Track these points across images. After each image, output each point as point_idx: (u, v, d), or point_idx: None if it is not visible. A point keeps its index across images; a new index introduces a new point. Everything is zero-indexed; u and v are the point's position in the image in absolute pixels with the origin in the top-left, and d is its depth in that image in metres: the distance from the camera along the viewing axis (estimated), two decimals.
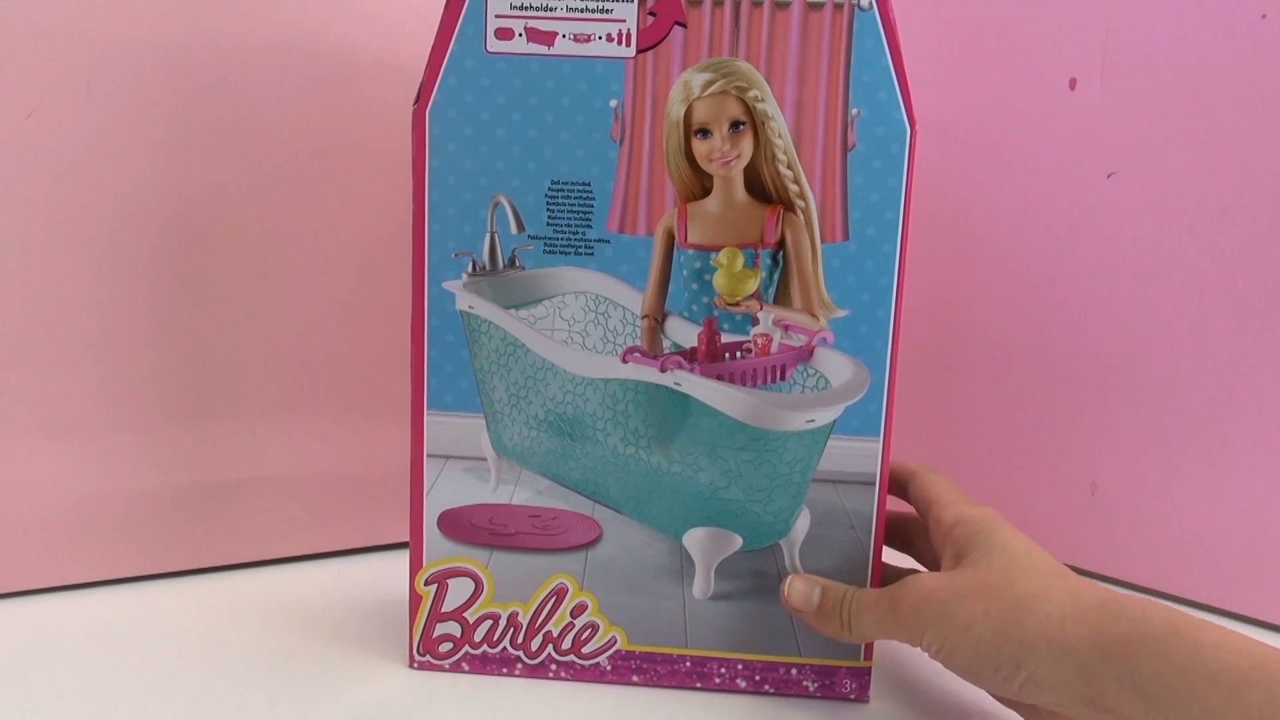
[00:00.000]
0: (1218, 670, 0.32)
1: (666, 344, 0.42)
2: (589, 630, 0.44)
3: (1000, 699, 0.40)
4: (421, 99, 0.40)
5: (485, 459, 0.43)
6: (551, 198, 0.41)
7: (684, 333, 0.42)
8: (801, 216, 0.40)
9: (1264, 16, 0.49)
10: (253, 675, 0.44)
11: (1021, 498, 0.59)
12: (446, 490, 0.43)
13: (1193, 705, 0.32)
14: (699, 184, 0.41)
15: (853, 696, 0.44)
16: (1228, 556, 0.53)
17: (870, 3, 0.39)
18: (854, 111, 0.40)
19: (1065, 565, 0.40)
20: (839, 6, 0.39)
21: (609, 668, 0.44)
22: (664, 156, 0.40)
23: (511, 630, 0.44)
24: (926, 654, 0.39)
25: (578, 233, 0.41)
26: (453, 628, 0.44)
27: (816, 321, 0.41)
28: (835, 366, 0.42)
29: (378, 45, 0.51)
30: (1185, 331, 0.53)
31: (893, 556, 0.47)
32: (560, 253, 0.41)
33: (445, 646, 0.45)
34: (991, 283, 0.58)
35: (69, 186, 0.47)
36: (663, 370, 0.42)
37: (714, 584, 0.43)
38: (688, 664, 0.44)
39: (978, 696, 0.45)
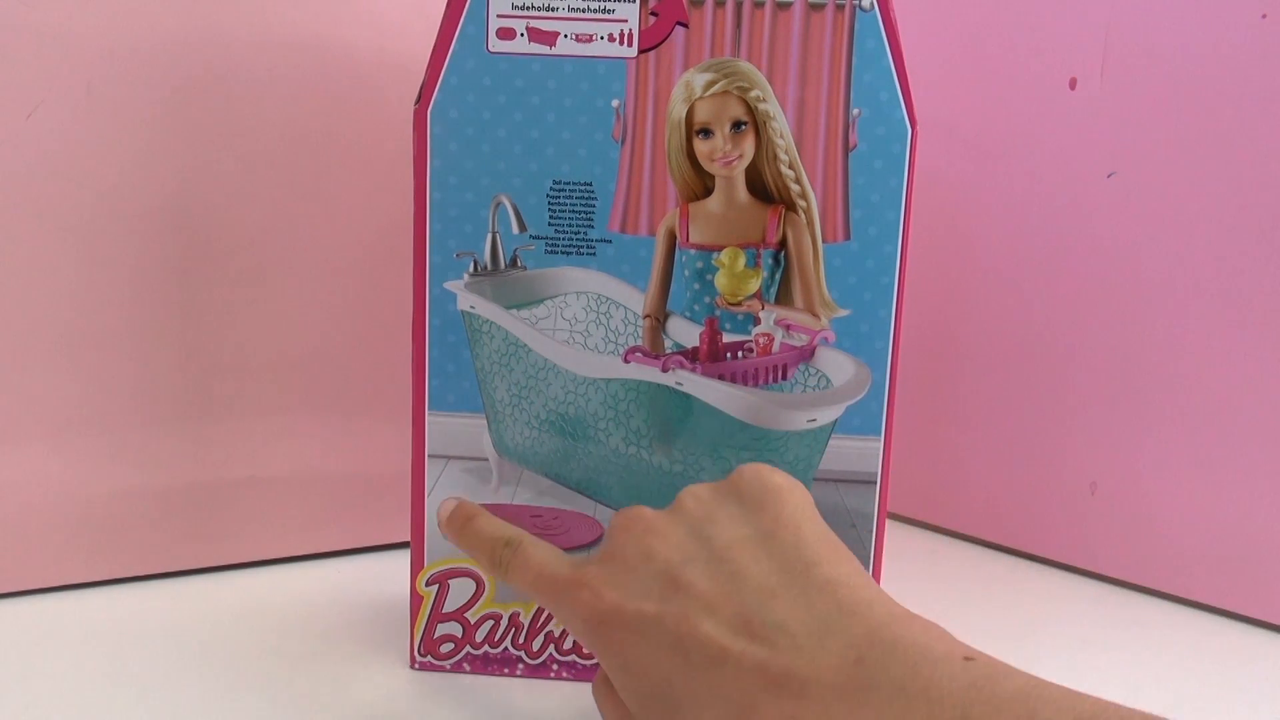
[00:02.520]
0: None
1: (668, 344, 0.42)
2: None
3: None
4: (423, 99, 0.40)
5: (486, 459, 0.43)
6: (553, 197, 0.41)
7: (686, 332, 0.42)
8: (803, 216, 0.40)
9: (1264, 16, 0.49)
10: (253, 675, 0.44)
11: (1021, 498, 0.59)
12: (448, 490, 0.43)
13: None
14: (701, 184, 0.41)
15: None
16: (1228, 556, 0.53)
17: (871, 3, 0.39)
18: (855, 111, 0.40)
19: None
20: (840, 7, 0.39)
21: None
22: (666, 156, 0.40)
23: (513, 630, 0.44)
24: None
25: (579, 233, 0.41)
26: (454, 628, 0.44)
27: (818, 321, 0.41)
28: (836, 366, 0.42)
29: (378, 45, 0.51)
30: (1185, 331, 0.53)
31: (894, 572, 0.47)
32: (562, 253, 0.41)
33: (446, 647, 0.45)
34: (992, 282, 0.58)
35: (68, 186, 0.47)
36: (664, 370, 0.42)
37: None
38: None
39: None
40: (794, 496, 0.34)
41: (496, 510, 0.44)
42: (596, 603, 0.33)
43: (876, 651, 0.28)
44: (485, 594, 0.44)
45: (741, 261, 0.41)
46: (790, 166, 0.40)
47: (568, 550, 0.44)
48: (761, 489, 0.34)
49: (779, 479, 0.34)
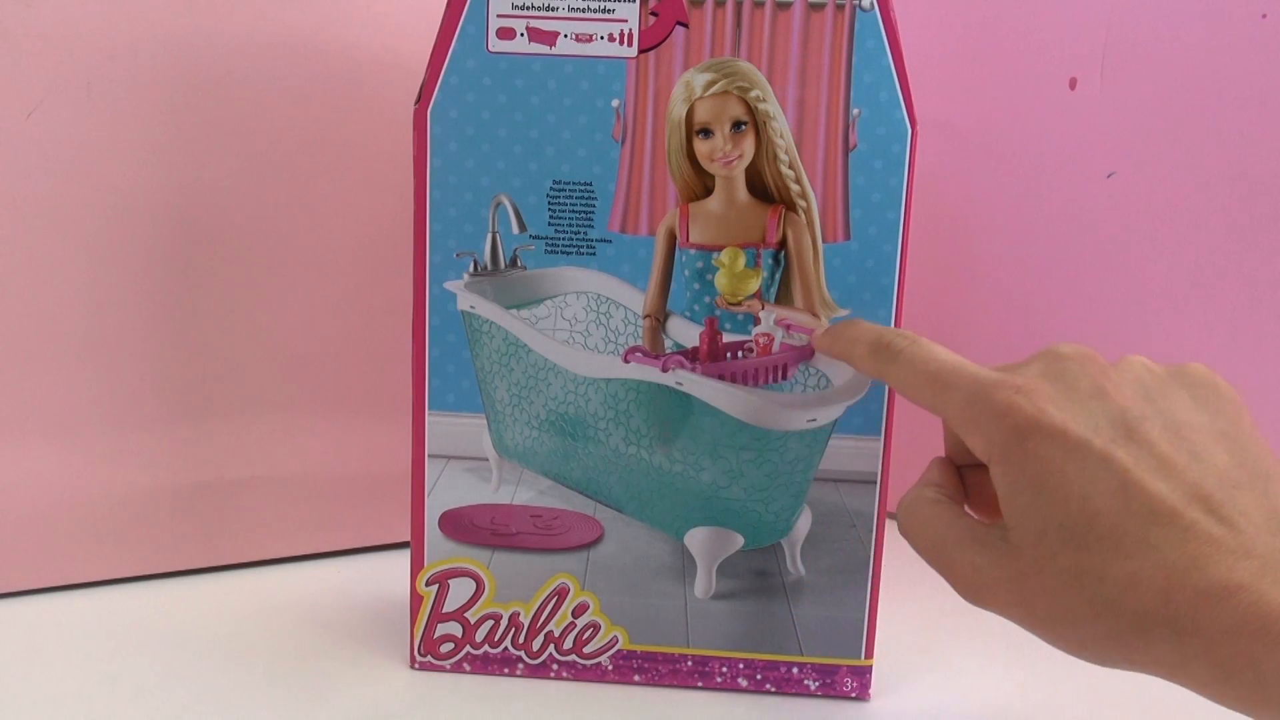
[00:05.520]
0: None
1: (668, 344, 0.42)
2: (590, 630, 0.44)
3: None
4: (423, 98, 0.40)
5: (487, 459, 0.43)
6: (553, 197, 0.41)
7: (686, 332, 0.42)
8: (803, 216, 0.40)
9: (1264, 16, 0.49)
10: (253, 675, 0.44)
11: None
12: (448, 490, 0.43)
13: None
14: (701, 184, 0.41)
15: (854, 695, 0.44)
16: None
17: (871, 3, 0.39)
18: (855, 111, 0.40)
19: None
20: (840, 7, 0.39)
21: (610, 667, 0.44)
22: (666, 156, 0.40)
23: (513, 630, 0.44)
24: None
25: (579, 232, 0.41)
26: (454, 628, 0.44)
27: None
28: (837, 366, 0.42)
29: (378, 44, 0.51)
30: (1185, 331, 0.53)
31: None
32: (562, 252, 0.41)
33: (446, 647, 0.45)
34: (991, 283, 0.58)
35: (68, 186, 0.47)
36: (664, 370, 0.42)
37: (715, 583, 0.43)
38: (689, 663, 0.44)
39: (980, 694, 0.45)
40: (1247, 410, 0.31)
41: (496, 510, 0.44)
42: (1035, 411, 0.30)
43: None
44: (485, 594, 0.44)
45: (741, 261, 0.41)
46: (790, 166, 0.40)
47: (567, 550, 0.44)
48: (1216, 391, 0.32)
49: (1233, 389, 0.32)
